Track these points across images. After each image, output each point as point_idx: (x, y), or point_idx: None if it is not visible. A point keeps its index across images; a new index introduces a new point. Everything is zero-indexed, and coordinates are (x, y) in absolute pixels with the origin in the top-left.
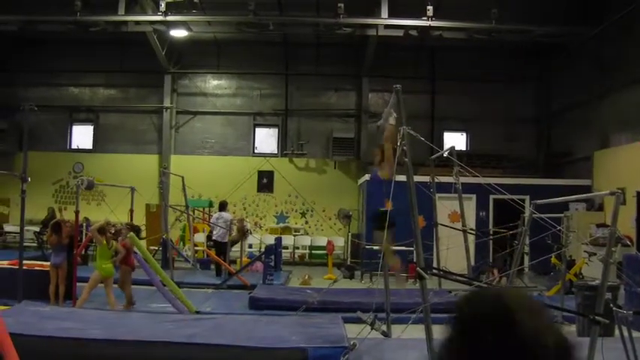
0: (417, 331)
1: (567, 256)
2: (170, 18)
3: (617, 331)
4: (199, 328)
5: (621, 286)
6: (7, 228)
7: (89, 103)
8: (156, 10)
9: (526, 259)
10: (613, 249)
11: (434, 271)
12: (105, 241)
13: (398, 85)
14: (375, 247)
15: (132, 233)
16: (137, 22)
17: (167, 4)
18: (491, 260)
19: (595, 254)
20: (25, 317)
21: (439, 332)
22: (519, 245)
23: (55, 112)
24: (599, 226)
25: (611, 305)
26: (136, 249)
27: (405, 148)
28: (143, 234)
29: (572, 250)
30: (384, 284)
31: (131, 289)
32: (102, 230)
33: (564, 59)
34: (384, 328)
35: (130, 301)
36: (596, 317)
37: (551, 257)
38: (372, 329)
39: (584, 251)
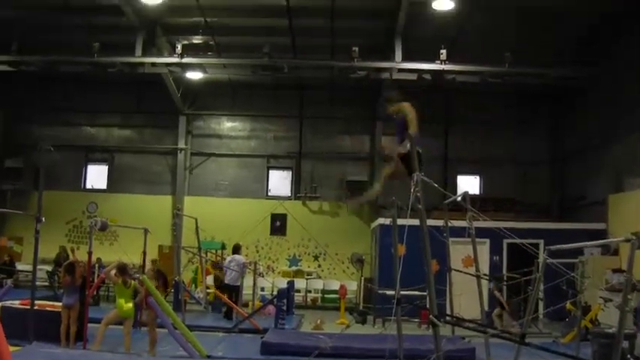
0: None
1: (583, 302)
2: (186, 60)
3: None
4: None
5: (638, 333)
6: (20, 267)
7: (104, 143)
8: (172, 52)
9: (540, 304)
10: (629, 296)
11: (447, 318)
12: (121, 281)
13: (412, 132)
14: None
15: (144, 276)
16: (153, 64)
17: (183, 46)
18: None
19: (611, 300)
20: (35, 359)
21: None
22: (534, 291)
23: (70, 151)
24: (614, 271)
25: (628, 356)
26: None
27: (418, 194)
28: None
29: (587, 295)
30: (397, 330)
31: (156, 332)
32: (122, 270)
33: (578, 102)
34: None
35: (154, 344)
36: None
37: (566, 303)
38: None
39: (600, 297)
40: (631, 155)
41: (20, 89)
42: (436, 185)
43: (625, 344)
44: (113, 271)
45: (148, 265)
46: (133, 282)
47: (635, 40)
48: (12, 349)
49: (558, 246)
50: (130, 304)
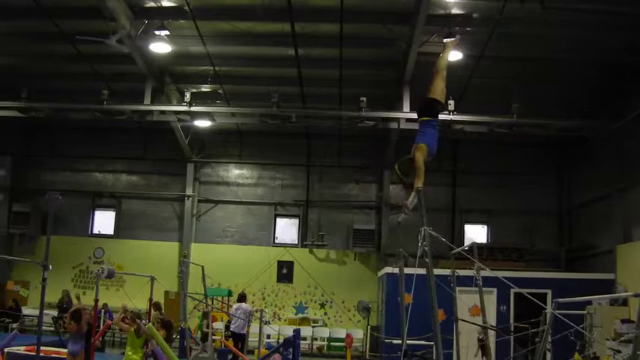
0: None
1: (591, 353)
2: (195, 109)
3: None
4: None
5: None
6: (26, 311)
7: (112, 189)
8: (181, 100)
9: (548, 355)
10: (638, 352)
11: None
12: (133, 330)
13: (420, 186)
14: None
15: (150, 324)
16: (162, 112)
17: (192, 94)
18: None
19: (620, 352)
20: None
21: None
22: (542, 343)
23: (77, 197)
24: (623, 321)
25: None
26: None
27: (426, 248)
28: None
29: (596, 346)
30: None
31: None
32: (133, 319)
33: (585, 152)
34: None
35: None
36: None
37: (574, 355)
38: None
39: (609, 348)
40: (639, 205)
41: (29, 135)
42: (443, 239)
43: None
44: (121, 317)
45: (153, 312)
46: (144, 333)
47: None
48: None
49: (566, 299)
50: (140, 354)
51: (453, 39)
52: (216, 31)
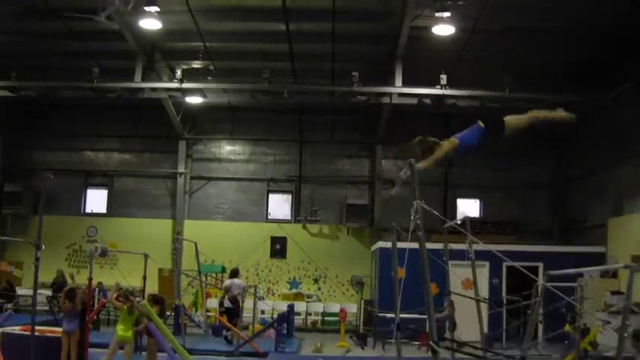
0: None
1: (582, 324)
2: (186, 85)
3: None
4: None
5: (637, 357)
6: (20, 291)
7: (104, 168)
8: (172, 77)
9: (540, 327)
10: (627, 322)
11: (446, 343)
12: (126, 307)
13: (412, 159)
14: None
15: (145, 302)
16: (153, 89)
17: (183, 71)
18: None
19: (609, 322)
20: None
21: None
22: (533, 315)
23: (69, 176)
24: (613, 293)
25: None
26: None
27: (418, 222)
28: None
29: (586, 318)
30: (397, 354)
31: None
32: (126, 297)
33: (579, 125)
34: None
35: None
36: None
37: (565, 326)
38: None
39: (599, 319)
40: (631, 179)
41: (20, 114)
42: (436, 212)
43: None
44: (115, 295)
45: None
46: (137, 311)
47: (635, 65)
48: None
49: (558, 271)
50: (130, 332)
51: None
52: (207, 7)
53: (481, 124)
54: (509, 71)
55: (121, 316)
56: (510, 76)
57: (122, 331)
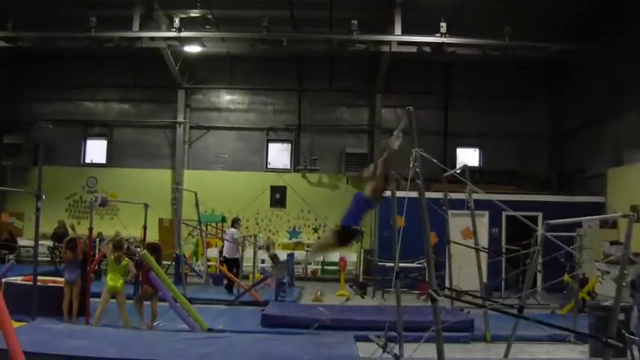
0: (429, 350)
1: (580, 274)
2: (184, 34)
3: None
4: (212, 347)
5: (634, 306)
6: (22, 242)
7: (103, 118)
8: (170, 26)
9: (539, 277)
10: (625, 271)
11: (446, 291)
12: (113, 257)
13: (410, 107)
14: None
15: (145, 251)
16: (151, 39)
17: (181, 20)
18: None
19: (608, 272)
20: (39, 335)
21: (451, 352)
22: (532, 264)
23: (69, 126)
24: (612, 243)
25: (623, 331)
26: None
27: (417, 170)
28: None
29: (585, 268)
30: (396, 302)
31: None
32: (118, 247)
33: (578, 75)
34: (395, 350)
35: (154, 318)
36: (609, 341)
37: (564, 275)
38: (383, 352)
39: (597, 269)
40: (630, 129)
41: (18, 65)
42: (435, 160)
43: (621, 317)
44: (110, 245)
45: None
46: (125, 260)
47: (635, 16)
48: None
49: (557, 220)
50: (120, 281)
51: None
52: None
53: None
54: (509, 20)
55: (109, 266)
56: (510, 25)
57: (112, 281)
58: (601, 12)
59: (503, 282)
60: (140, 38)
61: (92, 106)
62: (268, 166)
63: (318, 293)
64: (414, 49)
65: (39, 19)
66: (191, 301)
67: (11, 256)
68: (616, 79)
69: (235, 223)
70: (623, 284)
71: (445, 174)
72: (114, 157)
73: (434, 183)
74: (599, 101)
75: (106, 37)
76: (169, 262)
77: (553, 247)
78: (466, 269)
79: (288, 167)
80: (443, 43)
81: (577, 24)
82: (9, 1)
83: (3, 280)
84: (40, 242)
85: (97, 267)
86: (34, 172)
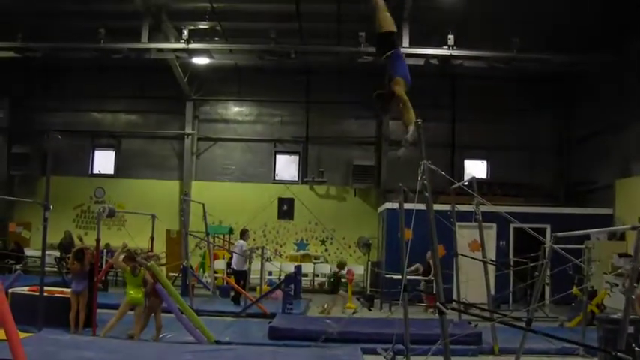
0: None
1: (589, 286)
2: (192, 46)
3: None
4: None
5: None
6: (29, 252)
7: (111, 129)
8: (178, 37)
9: (547, 289)
10: (635, 284)
11: (453, 304)
12: (130, 269)
13: (419, 120)
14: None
15: (152, 262)
16: (160, 50)
17: (190, 31)
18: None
19: (617, 285)
20: (46, 346)
21: None
22: (540, 277)
23: (77, 137)
24: (621, 255)
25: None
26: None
27: (425, 182)
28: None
29: (593, 280)
30: (404, 315)
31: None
32: (131, 258)
33: (585, 87)
34: None
35: (159, 331)
36: (619, 354)
37: (572, 288)
38: None
39: (606, 282)
40: (638, 140)
41: (27, 76)
42: (443, 173)
43: (631, 330)
44: (121, 257)
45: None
46: (141, 270)
47: None
48: (22, 335)
49: (565, 233)
50: (140, 293)
51: None
52: None
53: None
54: (517, 32)
55: (127, 278)
56: (518, 37)
57: (133, 292)
58: (608, 23)
59: (511, 294)
60: (148, 50)
61: (100, 116)
62: (276, 178)
63: (326, 306)
64: (421, 62)
65: (48, 31)
66: (198, 312)
67: (18, 266)
68: (623, 90)
69: (244, 234)
70: (632, 297)
71: (453, 186)
72: (122, 168)
73: (441, 195)
74: (607, 112)
75: (115, 49)
76: (177, 274)
77: (561, 259)
78: (474, 282)
79: (296, 179)
80: (450, 56)
81: (584, 35)
82: (19, 12)
83: (10, 290)
84: (47, 252)
85: (103, 278)
86: (42, 181)
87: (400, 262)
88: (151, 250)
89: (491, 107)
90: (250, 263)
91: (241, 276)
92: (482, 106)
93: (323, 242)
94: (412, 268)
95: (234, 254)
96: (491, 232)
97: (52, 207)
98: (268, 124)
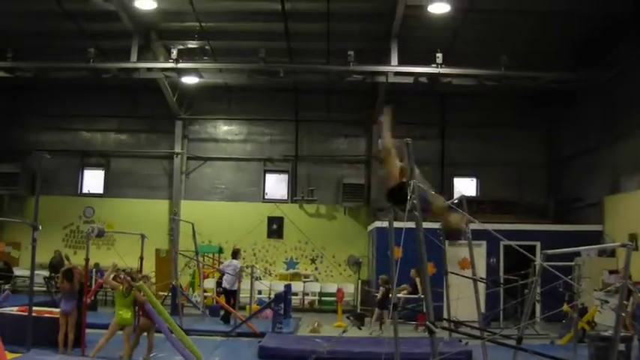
0: None
1: (580, 303)
2: (182, 65)
3: None
4: None
5: (634, 336)
6: (18, 272)
7: (100, 148)
8: (167, 57)
9: (537, 306)
10: (625, 302)
11: (444, 323)
12: (122, 288)
13: (408, 139)
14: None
15: (141, 282)
16: (149, 69)
17: (179, 51)
18: None
19: (607, 302)
20: None
21: None
22: (530, 294)
23: (66, 156)
24: (611, 272)
25: None
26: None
27: (415, 202)
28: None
29: (584, 297)
30: (394, 334)
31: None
32: (127, 279)
33: (574, 104)
34: None
35: (150, 350)
36: None
37: (562, 305)
38: None
39: (597, 298)
40: (627, 157)
41: (15, 94)
42: (432, 192)
43: (622, 347)
44: (112, 276)
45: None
46: (132, 291)
47: (632, 43)
48: (10, 355)
49: (555, 250)
50: (129, 313)
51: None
52: None
53: None
54: (505, 50)
55: (117, 299)
56: (506, 54)
57: (123, 313)
58: (597, 40)
59: (501, 312)
60: (138, 69)
61: (89, 136)
62: (265, 197)
63: (316, 324)
64: (410, 80)
65: (38, 50)
66: (187, 332)
67: (7, 286)
68: (612, 107)
69: (236, 254)
70: (623, 314)
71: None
72: (111, 187)
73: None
74: (596, 129)
75: (104, 68)
76: (166, 293)
77: (552, 276)
78: (464, 300)
79: (286, 198)
80: (439, 74)
81: (573, 52)
82: (9, 31)
83: None
84: (36, 272)
85: (93, 297)
86: (30, 201)
87: (390, 281)
88: (141, 270)
89: (480, 124)
90: (240, 282)
91: (232, 295)
92: (471, 123)
93: (313, 261)
94: (400, 293)
95: (226, 274)
96: (481, 250)
97: (40, 227)
98: (258, 142)
